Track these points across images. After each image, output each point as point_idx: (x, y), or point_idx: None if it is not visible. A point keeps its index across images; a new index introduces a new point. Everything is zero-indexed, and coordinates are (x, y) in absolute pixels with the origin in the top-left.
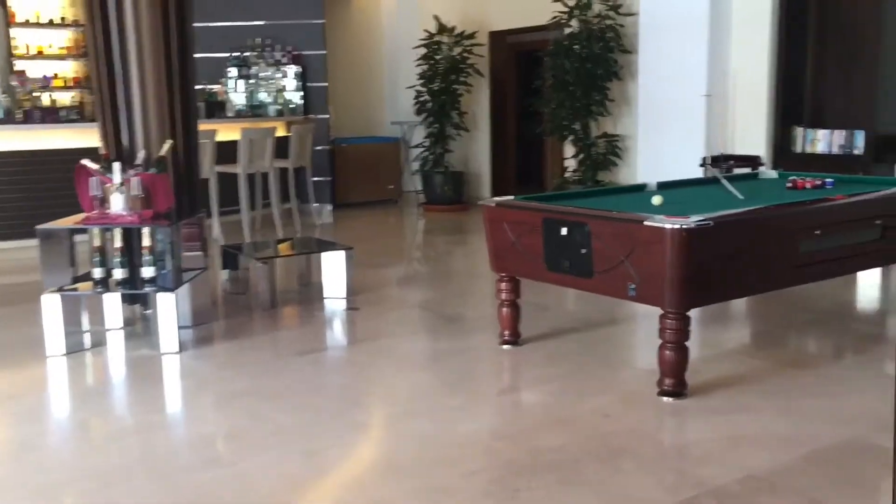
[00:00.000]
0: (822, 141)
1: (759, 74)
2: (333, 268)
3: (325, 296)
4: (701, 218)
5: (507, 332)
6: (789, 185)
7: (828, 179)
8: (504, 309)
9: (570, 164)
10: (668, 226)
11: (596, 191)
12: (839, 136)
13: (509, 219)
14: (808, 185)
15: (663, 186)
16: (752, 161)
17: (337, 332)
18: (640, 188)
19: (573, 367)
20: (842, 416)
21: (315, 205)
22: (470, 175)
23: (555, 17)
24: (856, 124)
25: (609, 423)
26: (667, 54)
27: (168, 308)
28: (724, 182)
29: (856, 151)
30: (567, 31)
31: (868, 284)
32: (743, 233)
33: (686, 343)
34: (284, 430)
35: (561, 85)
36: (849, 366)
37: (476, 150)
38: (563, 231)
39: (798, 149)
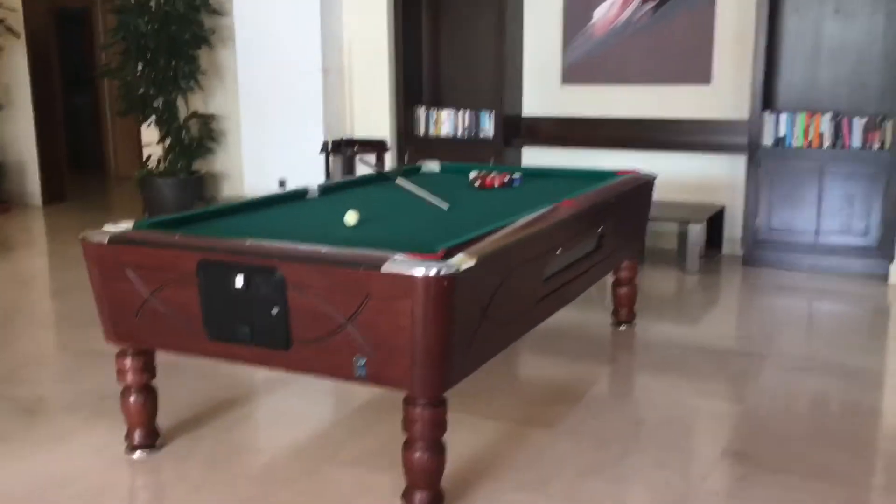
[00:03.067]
0: (447, 122)
1: (379, 47)
2: None
3: None
4: (455, 251)
5: (139, 434)
6: (476, 182)
7: (515, 175)
8: (132, 398)
9: (155, 150)
10: (420, 273)
11: (246, 204)
12: (465, 117)
13: (138, 262)
14: (496, 183)
15: (328, 190)
16: (379, 146)
17: None
18: (302, 195)
19: (252, 479)
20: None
21: None
22: (10, 164)
23: None
24: (479, 104)
25: None
26: (269, 18)
27: None
28: (406, 184)
29: (484, 133)
30: None
31: None
32: (503, 266)
33: (443, 438)
34: None
35: (138, 51)
36: (592, 412)
37: (16, 132)
38: (238, 281)
39: (421, 131)
